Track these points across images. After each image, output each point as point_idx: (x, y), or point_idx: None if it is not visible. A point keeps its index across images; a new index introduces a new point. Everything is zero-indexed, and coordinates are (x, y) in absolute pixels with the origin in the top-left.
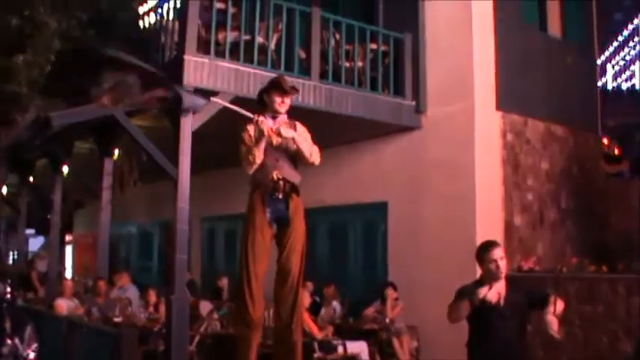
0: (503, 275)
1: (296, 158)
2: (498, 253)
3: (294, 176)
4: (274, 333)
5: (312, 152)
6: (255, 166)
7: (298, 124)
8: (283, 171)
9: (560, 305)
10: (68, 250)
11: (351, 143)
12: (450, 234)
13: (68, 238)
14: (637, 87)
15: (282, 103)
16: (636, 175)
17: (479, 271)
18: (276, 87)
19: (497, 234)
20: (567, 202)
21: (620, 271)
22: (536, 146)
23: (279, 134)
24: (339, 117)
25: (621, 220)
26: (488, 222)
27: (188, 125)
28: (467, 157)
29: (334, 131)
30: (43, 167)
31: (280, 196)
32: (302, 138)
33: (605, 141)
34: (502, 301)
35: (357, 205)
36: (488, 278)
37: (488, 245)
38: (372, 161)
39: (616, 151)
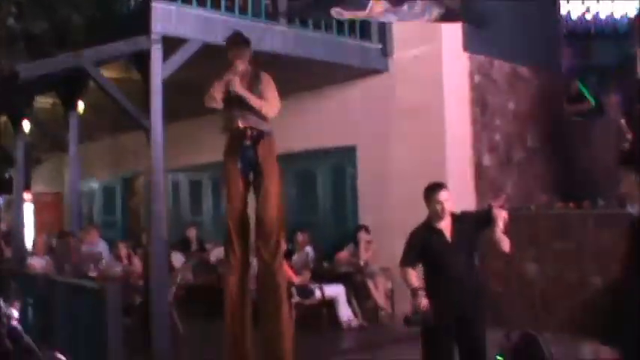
0: (446, 215)
1: None
2: (443, 195)
3: (261, 124)
4: (258, 277)
5: (262, 106)
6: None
7: (263, 74)
8: (249, 120)
9: (505, 217)
10: (26, 208)
11: (318, 88)
12: (420, 176)
13: (26, 196)
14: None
15: (235, 56)
16: (597, 115)
17: None
18: (227, 42)
19: (467, 174)
20: (534, 141)
21: (586, 209)
22: (503, 87)
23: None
24: (305, 61)
25: (586, 159)
26: (458, 163)
27: (158, 73)
28: (435, 99)
29: (301, 76)
30: (4, 124)
31: (248, 143)
32: (265, 89)
33: (568, 81)
34: (449, 238)
35: (326, 150)
36: (434, 217)
37: (435, 187)
38: (340, 106)
39: (576, 92)
